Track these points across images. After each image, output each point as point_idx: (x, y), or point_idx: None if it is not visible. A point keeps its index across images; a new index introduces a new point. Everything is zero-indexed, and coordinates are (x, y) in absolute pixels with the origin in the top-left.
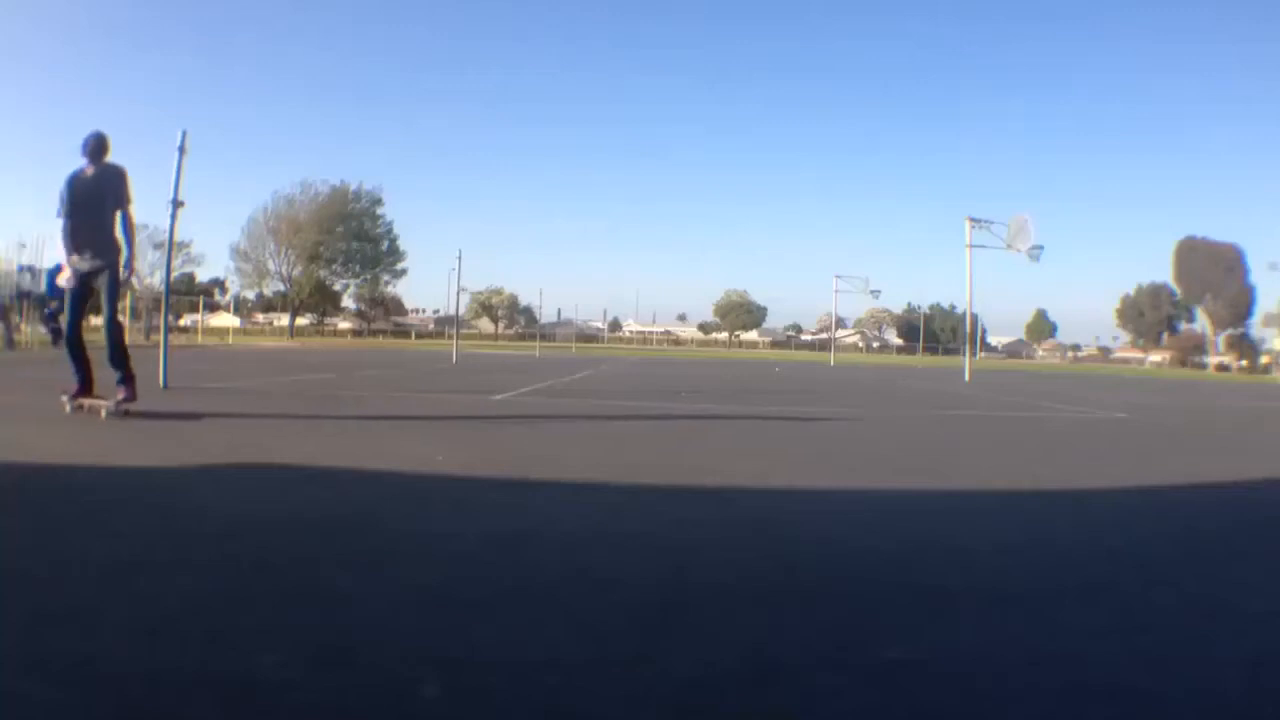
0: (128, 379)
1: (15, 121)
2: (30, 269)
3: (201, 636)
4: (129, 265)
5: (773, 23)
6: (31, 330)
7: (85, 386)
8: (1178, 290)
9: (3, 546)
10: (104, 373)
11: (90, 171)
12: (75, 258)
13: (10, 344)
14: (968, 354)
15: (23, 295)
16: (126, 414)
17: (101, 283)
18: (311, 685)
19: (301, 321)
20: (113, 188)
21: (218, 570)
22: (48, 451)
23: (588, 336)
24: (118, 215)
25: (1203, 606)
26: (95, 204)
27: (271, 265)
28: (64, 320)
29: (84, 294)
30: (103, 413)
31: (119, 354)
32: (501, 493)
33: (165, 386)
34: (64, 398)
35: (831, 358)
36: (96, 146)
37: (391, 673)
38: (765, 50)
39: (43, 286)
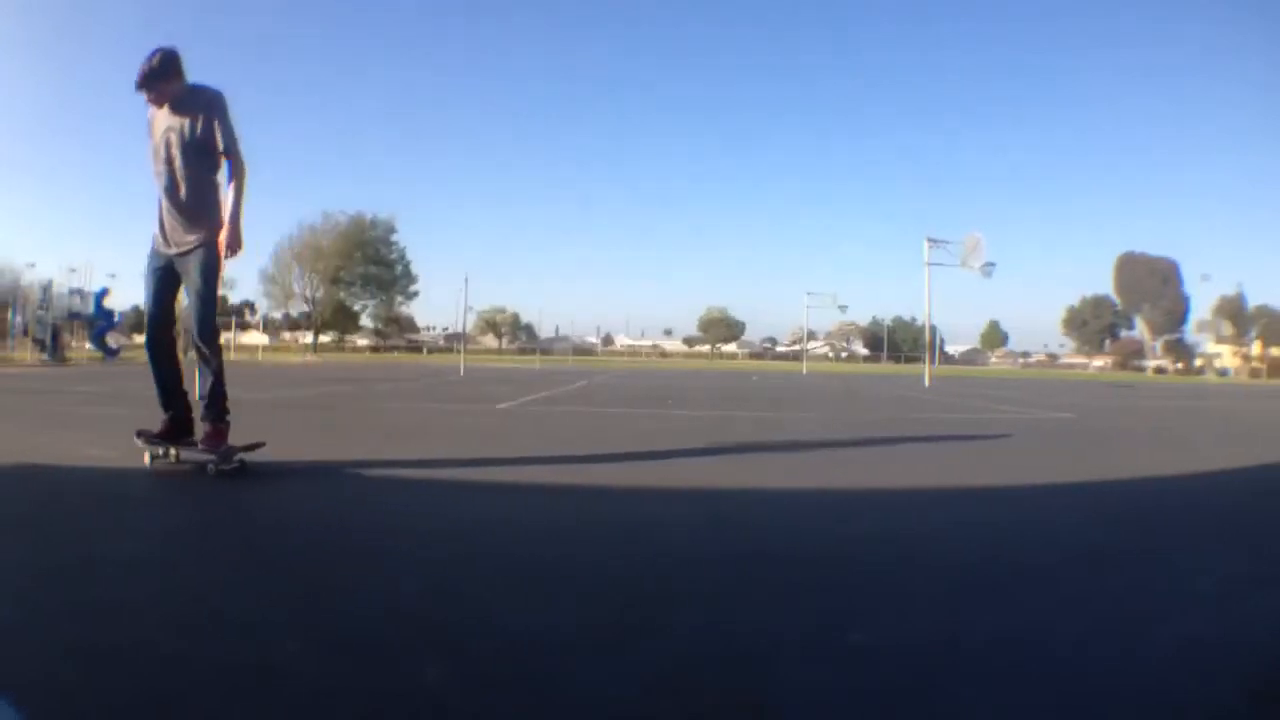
0: (217, 418)
1: (63, 152)
2: (79, 291)
3: (225, 625)
4: (232, 240)
5: (744, 69)
6: (79, 347)
7: (177, 424)
8: (1118, 300)
9: (43, 543)
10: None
11: (164, 108)
12: (157, 235)
13: (62, 360)
14: (927, 362)
15: (73, 316)
16: (220, 473)
17: (193, 264)
18: (323, 669)
19: (324, 339)
20: (208, 124)
21: (242, 562)
22: (88, 456)
23: (583, 350)
24: (222, 164)
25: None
26: (185, 153)
27: (296, 288)
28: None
29: (167, 284)
30: (210, 468)
31: (205, 381)
32: (502, 492)
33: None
34: (139, 442)
35: (804, 367)
36: (165, 67)
37: (397, 653)
38: (742, 89)
39: (90, 308)
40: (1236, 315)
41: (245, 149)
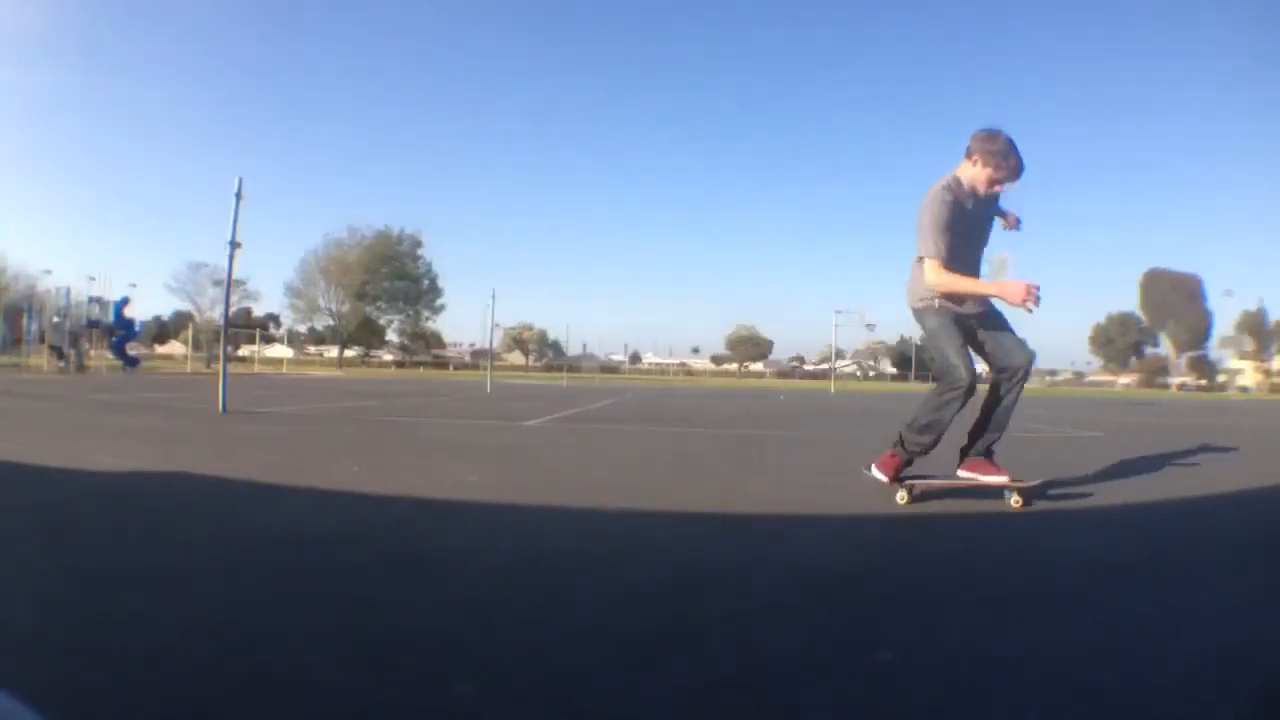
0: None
1: (80, 163)
2: (98, 300)
3: (249, 636)
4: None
5: (768, 87)
6: (98, 355)
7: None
8: (1144, 317)
9: (67, 550)
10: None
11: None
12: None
13: (80, 368)
14: None
15: (92, 324)
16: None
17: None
18: (350, 683)
19: (349, 353)
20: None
21: (266, 577)
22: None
23: (610, 368)
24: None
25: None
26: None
27: (321, 302)
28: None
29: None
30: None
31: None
32: (528, 512)
33: (224, 412)
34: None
35: (832, 386)
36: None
37: (423, 670)
38: (765, 111)
39: (110, 317)
40: (1258, 331)
41: (277, 164)
